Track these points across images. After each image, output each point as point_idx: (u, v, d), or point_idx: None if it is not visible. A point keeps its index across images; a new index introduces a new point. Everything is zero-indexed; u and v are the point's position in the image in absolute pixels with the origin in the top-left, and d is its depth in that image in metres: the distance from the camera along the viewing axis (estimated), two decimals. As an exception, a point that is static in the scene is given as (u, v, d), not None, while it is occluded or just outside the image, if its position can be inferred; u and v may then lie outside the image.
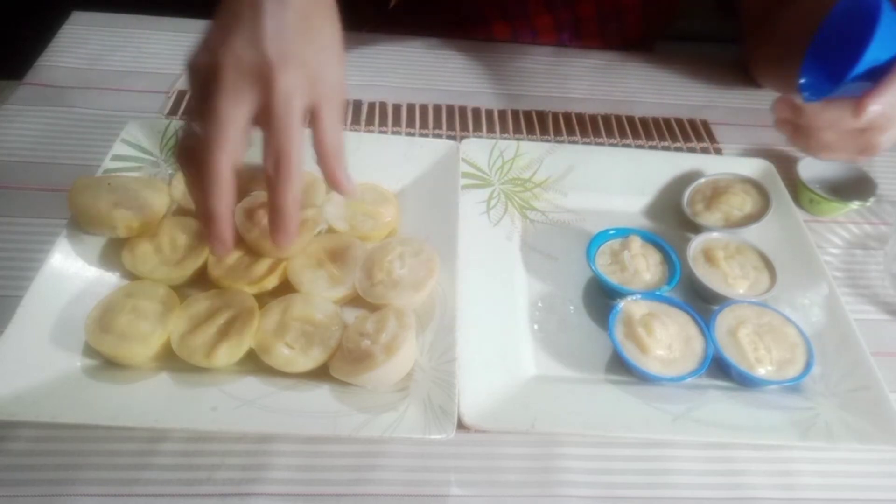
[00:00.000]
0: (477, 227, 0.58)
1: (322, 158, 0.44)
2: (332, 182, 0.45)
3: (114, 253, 0.51)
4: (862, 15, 0.48)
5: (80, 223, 0.51)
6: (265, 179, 0.41)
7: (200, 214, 0.42)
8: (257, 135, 0.60)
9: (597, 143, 0.71)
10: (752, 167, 0.66)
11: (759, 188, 0.63)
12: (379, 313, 0.48)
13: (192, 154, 0.40)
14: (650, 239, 0.58)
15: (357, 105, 0.72)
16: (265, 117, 0.40)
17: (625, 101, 0.77)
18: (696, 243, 0.58)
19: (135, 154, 0.58)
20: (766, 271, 0.56)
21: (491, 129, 0.72)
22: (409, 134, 0.70)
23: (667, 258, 0.57)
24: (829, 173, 0.67)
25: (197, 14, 0.81)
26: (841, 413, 0.47)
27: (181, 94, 0.70)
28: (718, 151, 0.72)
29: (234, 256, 0.52)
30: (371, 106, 0.72)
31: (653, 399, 0.48)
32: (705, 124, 0.76)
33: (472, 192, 0.61)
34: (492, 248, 0.57)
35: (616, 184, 0.64)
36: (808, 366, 0.49)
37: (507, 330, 0.52)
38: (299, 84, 0.40)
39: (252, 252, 0.52)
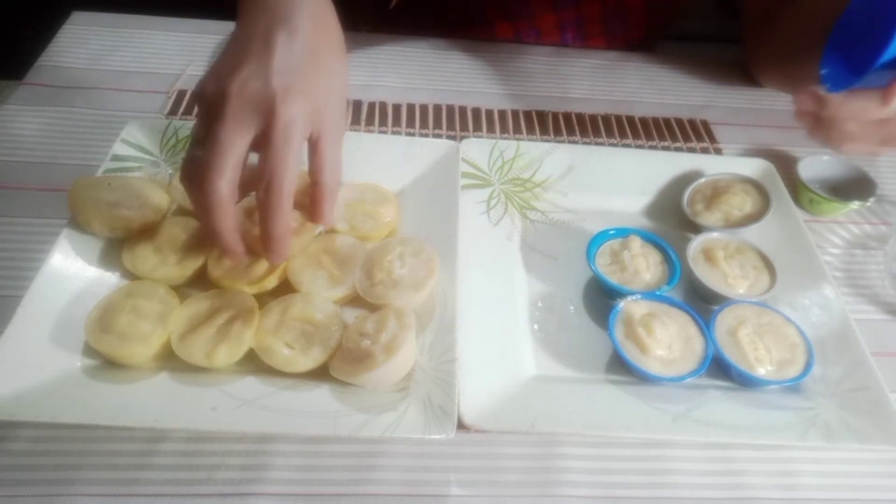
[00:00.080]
0: (477, 227, 0.58)
1: (316, 189, 0.46)
2: (316, 213, 0.47)
3: (114, 253, 0.51)
4: (885, 3, 0.47)
5: (80, 223, 0.51)
6: (257, 204, 0.42)
7: (205, 231, 0.44)
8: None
9: (597, 143, 0.71)
10: (752, 167, 0.65)
11: (759, 188, 0.63)
12: (379, 313, 0.48)
13: (194, 177, 0.42)
14: (650, 239, 0.58)
15: (357, 105, 0.72)
16: (264, 143, 0.41)
17: (625, 101, 0.77)
18: (696, 243, 0.58)
19: (135, 154, 0.58)
20: (766, 271, 0.56)
21: (491, 129, 0.72)
22: (409, 134, 0.70)
23: (667, 258, 0.57)
24: (829, 173, 0.67)
25: (197, 14, 0.81)
26: (841, 413, 0.47)
27: (181, 94, 0.70)
28: (718, 151, 0.72)
29: (234, 256, 0.52)
30: (371, 106, 0.72)
31: (653, 399, 0.48)
32: (705, 124, 0.76)
33: (472, 192, 0.61)
34: (492, 248, 0.57)
35: (616, 184, 0.64)
36: (808, 366, 0.49)
37: (507, 330, 0.52)
38: (301, 116, 0.41)
39: (252, 252, 0.52)
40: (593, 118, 0.74)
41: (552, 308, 0.55)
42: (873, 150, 0.55)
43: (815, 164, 0.67)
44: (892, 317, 0.58)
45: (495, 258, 0.57)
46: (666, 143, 0.72)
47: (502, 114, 0.74)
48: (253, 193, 0.53)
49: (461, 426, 0.43)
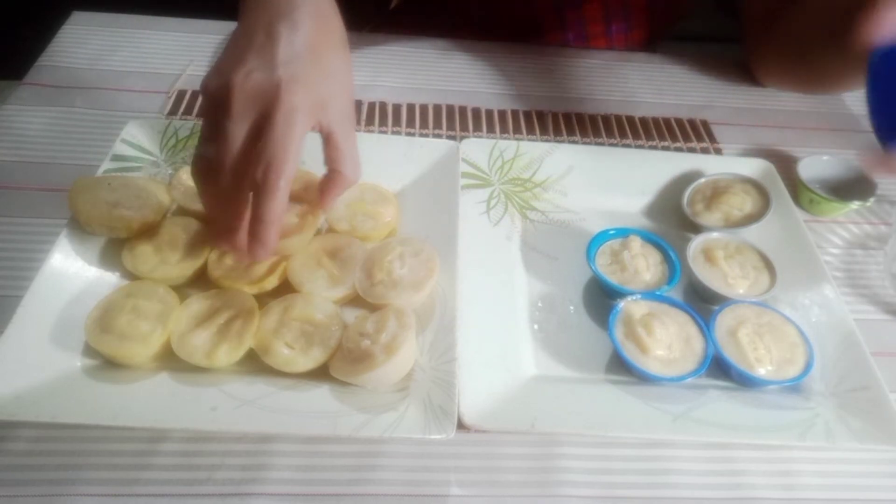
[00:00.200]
0: (477, 227, 0.58)
1: (335, 177, 0.46)
2: (325, 199, 0.47)
3: (114, 253, 0.51)
4: None
5: (80, 223, 0.51)
6: (252, 187, 0.42)
7: (214, 227, 0.45)
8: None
9: (597, 143, 0.71)
10: (752, 167, 0.66)
11: (759, 188, 0.63)
12: (379, 313, 0.48)
13: (204, 173, 0.42)
14: (650, 239, 0.58)
15: (357, 105, 0.72)
16: (266, 128, 0.41)
17: (625, 101, 0.77)
18: (696, 243, 0.58)
19: (135, 154, 0.58)
20: (766, 271, 0.56)
21: (491, 129, 0.72)
22: (409, 134, 0.70)
23: (667, 258, 0.57)
24: (829, 173, 0.67)
25: (197, 14, 0.81)
26: (841, 413, 0.47)
27: (181, 94, 0.70)
28: (718, 151, 0.72)
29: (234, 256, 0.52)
30: (371, 106, 0.72)
31: (653, 399, 0.48)
32: (705, 124, 0.76)
33: (472, 192, 0.61)
34: (492, 248, 0.57)
35: (616, 184, 0.64)
36: (808, 366, 0.49)
37: (507, 330, 0.52)
38: (305, 104, 0.41)
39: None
40: (593, 118, 0.74)
41: (552, 308, 0.55)
42: None
43: (815, 164, 0.67)
44: (892, 317, 0.58)
45: (495, 258, 0.57)
46: (666, 143, 0.72)
47: (502, 114, 0.74)
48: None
49: (461, 426, 0.43)
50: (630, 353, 0.49)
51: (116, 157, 0.57)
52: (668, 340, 0.50)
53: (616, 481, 0.46)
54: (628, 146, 0.71)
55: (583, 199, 0.63)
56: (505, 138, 0.70)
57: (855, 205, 0.65)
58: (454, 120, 0.72)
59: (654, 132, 0.74)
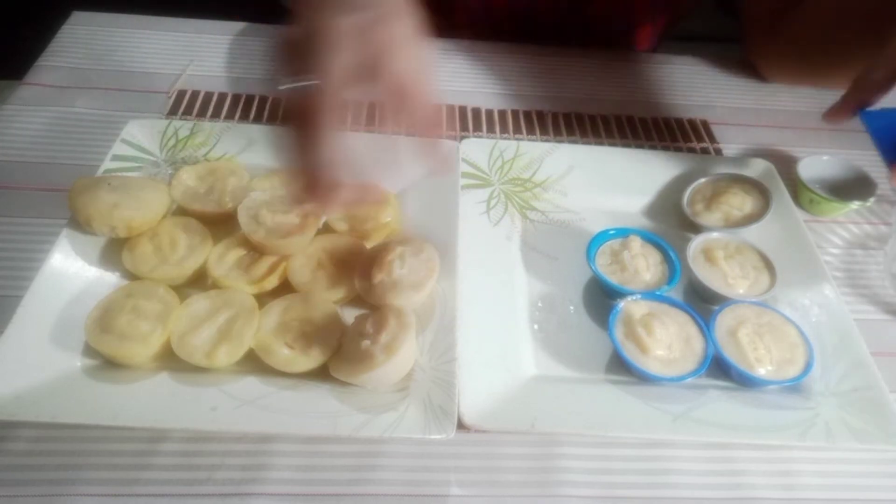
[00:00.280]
0: (477, 227, 0.58)
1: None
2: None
3: (114, 253, 0.51)
4: None
5: (80, 223, 0.51)
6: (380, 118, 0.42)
7: (302, 174, 0.41)
8: (256, 133, 0.60)
9: (597, 143, 0.71)
10: (752, 167, 0.66)
11: (759, 188, 0.63)
12: (379, 313, 0.48)
13: (300, 114, 0.39)
14: (650, 239, 0.58)
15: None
16: (374, 68, 0.40)
17: (625, 101, 0.77)
18: (696, 243, 0.58)
19: (135, 154, 0.58)
20: (766, 271, 0.56)
21: (491, 129, 0.72)
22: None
23: (667, 258, 0.57)
24: (829, 173, 0.67)
25: (197, 14, 0.81)
26: (841, 413, 0.47)
27: (181, 94, 0.70)
28: (718, 151, 0.72)
29: (234, 256, 0.52)
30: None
31: (653, 399, 0.48)
32: (705, 124, 0.76)
33: (472, 192, 0.61)
34: (492, 248, 0.57)
35: (616, 184, 0.64)
36: (808, 366, 0.49)
37: (507, 330, 0.52)
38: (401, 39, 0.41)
39: (255, 250, 0.52)
40: (593, 118, 0.74)
41: (552, 308, 0.55)
42: None
43: (815, 164, 0.67)
44: (892, 317, 0.58)
45: (495, 258, 0.57)
46: (666, 143, 0.72)
47: (502, 114, 0.74)
48: (252, 195, 0.53)
49: (461, 426, 0.43)
50: (630, 353, 0.49)
51: (116, 157, 0.57)
52: (668, 340, 0.50)
53: (616, 481, 0.46)
54: (628, 146, 0.71)
55: (583, 199, 0.63)
56: (505, 138, 0.70)
57: (855, 205, 0.65)
58: (454, 120, 0.72)
59: (654, 132, 0.74)
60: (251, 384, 0.45)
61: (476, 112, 0.73)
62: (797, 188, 0.67)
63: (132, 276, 0.50)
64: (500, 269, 0.56)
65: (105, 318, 0.46)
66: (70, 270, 0.49)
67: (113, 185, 0.53)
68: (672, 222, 0.63)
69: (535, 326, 0.53)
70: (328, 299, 0.50)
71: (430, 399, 0.44)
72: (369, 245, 0.54)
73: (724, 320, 0.52)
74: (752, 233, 0.59)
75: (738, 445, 0.48)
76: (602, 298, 0.56)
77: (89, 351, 0.46)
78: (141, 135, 0.59)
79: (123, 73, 0.72)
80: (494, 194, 0.62)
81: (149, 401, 0.44)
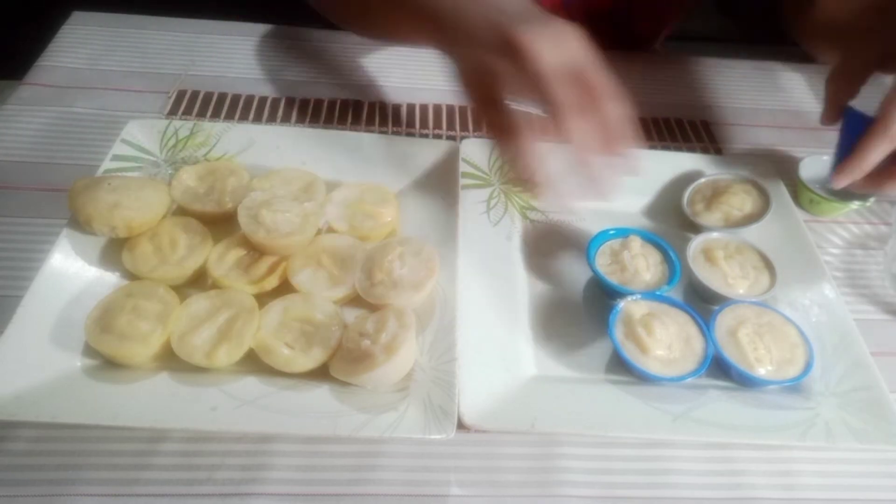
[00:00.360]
0: (477, 227, 0.58)
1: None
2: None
3: (114, 253, 0.51)
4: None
5: (80, 223, 0.51)
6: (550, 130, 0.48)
7: (523, 174, 0.49)
8: (256, 133, 0.60)
9: (597, 143, 0.71)
10: (752, 167, 0.65)
11: (759, 188, 0.63)
12: (379, 313, 0.48)
13: (506, 136, 0.50)
14: (650, 239, 0.58)
15: (357, 105, 0.72)
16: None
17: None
18: (696, 243, 0.58)
19: (135, 154, 0.58)
20: (766, 271, 0.56)
21: (491, 129, 0.72)
22: (409, 134, 0.70)
23: (667, 258, 0.57)
24: (830, 173, 0.67)
25: (197, 14, 0.81)
26: (841, 413, 0.47)
27: (181, 94, 0.70)
28: (718, 151, 0.72)
29: (234, 256, 0.52)
30: (371, 106, 0.72)
31: (653, 399, 0.48)
32: (705, 124, 0.76)
33: (472, 192, 0.61)
34: (492, 248, 0.57)
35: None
36: (808, 366, 0.49)
37: (507, 330, 0.52)
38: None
39: (256, 250, 0.52)
40: (593, 118, 0.74)
41: (552, 308, 0.55)
42: None
43: (815, 164, 0.67)
44: (892, 317, 0.58)
45: (495, 258, 0.57)
46: (666, 143, 0.72)
47: (502, 114, 0.74)
48: (252, 194, 0.53)
49: (461, 426, 0.43)
50: (630, 353, 0.49)
51: (116, 157, 0.57)
52: (668, 340, 0.50)
53: (616, 481, 0.46)
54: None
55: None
56: (505, 138, 0.69)
57: (855, 205, 0.65)
58: (454, 120, 0.72)
59: (653, 132, 0.74)
60: (251, 384, 0.45)
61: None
62: (797, 188, 0.67)
63: (132, 276, 0.50)
64: (500, 269, 0.56)
65: (105, 318, 0.46)
66: (70, 270, 0.49)
67: (113, 185, 0.53)
68: (672, 222, 0.63)
69: (535, 326, 0.53)
70: (328, 299, 0.50)
71: (430, 399, 0.44)
72: (369, 245, 0.54)
73: (724, 320, 0.52)
74: (752, 233, 0.59)
75: (738, 445, 0.48)
76: (602, 298, 0.56)
77: (89, 351, 0.46)
78: (141, 135, 0.59)
79: (123, 73, 0.72)
80: (494, 194, 0.62)
81: (149, 401, 0.44)
